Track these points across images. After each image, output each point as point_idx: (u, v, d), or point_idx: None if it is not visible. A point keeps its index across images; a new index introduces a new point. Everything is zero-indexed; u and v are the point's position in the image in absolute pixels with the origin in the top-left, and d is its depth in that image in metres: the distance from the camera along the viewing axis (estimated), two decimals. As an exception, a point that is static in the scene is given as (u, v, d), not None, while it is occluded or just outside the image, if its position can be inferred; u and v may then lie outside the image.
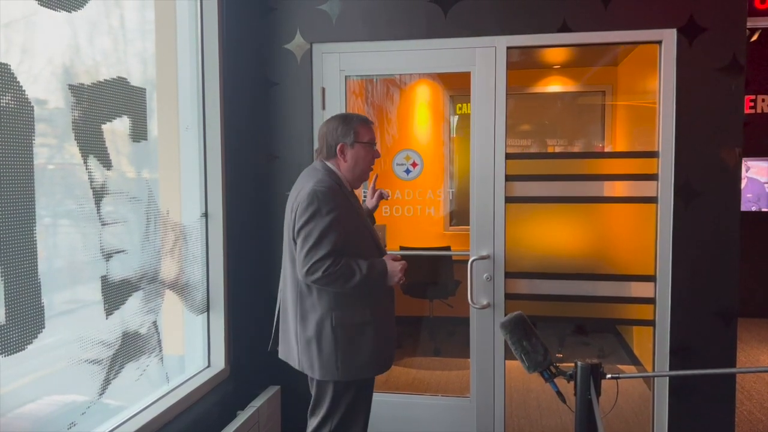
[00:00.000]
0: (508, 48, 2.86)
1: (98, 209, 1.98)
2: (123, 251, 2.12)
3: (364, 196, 3.28)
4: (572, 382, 1.43)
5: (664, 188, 2.78)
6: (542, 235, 3.09)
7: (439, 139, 4.60)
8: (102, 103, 2.00)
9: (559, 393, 1.47)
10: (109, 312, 2.04)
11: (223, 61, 2.71)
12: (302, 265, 2.07)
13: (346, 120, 2.23)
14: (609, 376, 1.41)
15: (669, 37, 2.72)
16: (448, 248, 4.12)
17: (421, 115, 4.53)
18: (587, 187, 2.92)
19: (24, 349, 1.65)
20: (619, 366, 4.23)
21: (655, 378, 2.90)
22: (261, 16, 3.01)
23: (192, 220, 2.66)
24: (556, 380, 1.47)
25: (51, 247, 1.82)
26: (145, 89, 2.25)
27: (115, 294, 2.07)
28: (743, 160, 3.65)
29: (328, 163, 2.24)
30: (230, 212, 2.79)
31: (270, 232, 3.04)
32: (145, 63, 2.34)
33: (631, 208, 3.03)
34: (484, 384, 3.01)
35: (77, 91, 1.89)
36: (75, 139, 1.87)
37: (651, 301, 2.86)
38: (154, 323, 2.33)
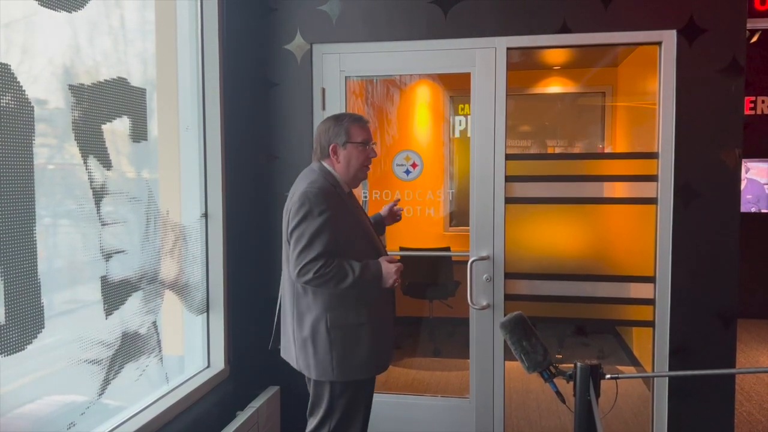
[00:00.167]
0: (508, 49, 2.86)
1: (98, 209, 1.98)
2: (123, 251, 2.12)
3: (365, 197, 3.29)
4: (571, 383, 1.43)
5: (664, 189, 2.78)
6: (542, 235, 3.09)
7: (439, 139, 4.61)
8: (102, 103, 2.01)
9: (558, 393, 1.47)
10: (108, 312, 2.04)
11: (223, 62, 2.71)
12: (294, 266, 2.08)
13: (337, 120, 2.23)
14: (608, 376, 1.41)
15: (669, 38, 2.72)
16: (447, 249, 4.12)
17: (421, 115, 4.54)
18: (587, 188, 2.93)
19: (24, 349, 1.65)
20: (619, 367, 4.23)
21: (655, 379, 2.90)
22: (261, 16, 3.01)
23: (192, 221, 2.66)
24: (555, 381, 1.47)
25: (51, 247, 1.82)
26: (145, 89, 2.25)
27: (114, 294, 2.07)
28: (743, 161, 3.66)
29: (325, 164, 2.24)
30: (230, 212, 2.79)
31: (270, 233, 3.04)
32: (146, 63, 2.35)
33: (631, 209, 3.03)
34: (483, 385, 3.01)
35: (77, 91, 1.89)
36: (75, 140, 1.87)
37: (651, 302, 2.86)
38: (154, 323, 2.33)
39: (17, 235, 1.63)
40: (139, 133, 2.22)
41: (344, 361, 2.15)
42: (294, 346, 2.22)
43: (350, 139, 2.20)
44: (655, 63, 2.80)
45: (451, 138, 4.59)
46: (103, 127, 2.00)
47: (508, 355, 2.95)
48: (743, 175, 5.53)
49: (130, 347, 2.17)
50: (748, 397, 4.01)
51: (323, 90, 3.02)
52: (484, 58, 2.89)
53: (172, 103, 2.61)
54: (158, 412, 2.22)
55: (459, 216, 4.41)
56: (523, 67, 4.90)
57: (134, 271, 2.19)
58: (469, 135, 2.97)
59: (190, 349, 2.71)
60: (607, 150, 4.87)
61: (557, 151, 5.12)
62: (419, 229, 4.11)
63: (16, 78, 1.62)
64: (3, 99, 1.58)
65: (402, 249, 3.68)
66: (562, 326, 4.46)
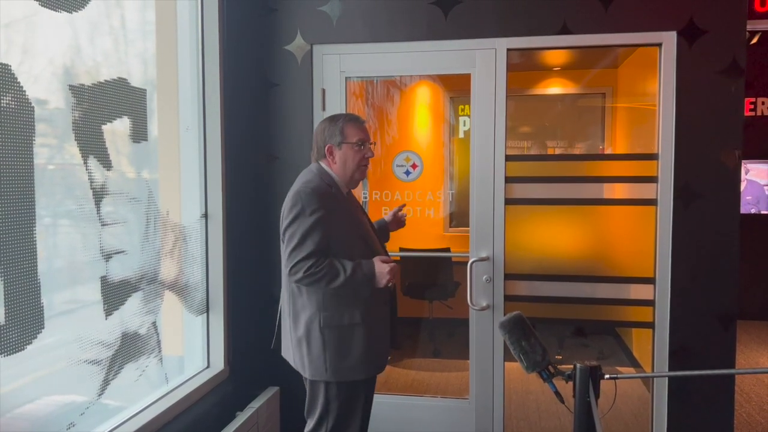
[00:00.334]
0: (509, 50, 2.86)
1: (98, 210, 1.98)
2: (123, 252, 2.12)
3: (365, 198, 3.29)
4: (570, 383, 1.43)
5: (664, 190, 2.78)
6: (542, 236, 3.09)
7: (439, 140, 4.61)
8: (102, 103, 2.01)
9: (557, 393, 1.47)
10: (108, 312, 2.04)
11: (223, 62, 2.71)
12: (285, 265, 2.10)
13: (333, 120, 2.23)
14: (607, 376, 1.41)
15: (669, 39, 2.72)
16: (447, 250, 4.12)
17: (421, 116, 4.54)
18: (587, 189, 2.93)
19: (23, 349, 1.65)
20: (619, 368, 4.23)
21: (654, 380, 2.90)
22: (261, 17, 3.02)
23: (192, 221, 2.66)
24: (554, 381, 1.47)
25: (51, 247, 1.82)
26: (145, 90, 2.25)
27: (114, 294, 2.07)
28: (743, 162, 3.66)
29: (322, 164, 2.24)
30: (230, 213, 2.79)
31: (270, 233, 3.04)
32: (146, 64, 2.35)
33: (631, 210, 3.03)
34: (483, 386, 3.01)
35: (78, 91, 1.89)
36: (75, 140, 1.88)
37: (650, 303, 2.86)
38: (154, 324, 2.33)
39: (17, 235, 1.63)
40: (139, 134, 2.22)
41: (338, 361, 2.15)
42: (291, 345, 2.24)
43: (345, 139, 2.20)
44: (655, 64, 2.80)
45: (455, 138, 4.59)
46: (104, 127, 2.01)
47: (507, 356, 2.95)
48: (743, 176, 5.54)
49: (129, 347, 2.17)
50: (747, 398, 4.01)
51: (323, 91, 3.03)
52: (484, 59, 2.89)
53: (172, 104, 2.62)
54: (158, 413, 2.22)
55: (459, 217, 4.41)
56: (524, 68, 4.91)
57: (134, 271, 2.19)
58: (473, 135, 2.98)
59: (189, 349, 2.71)
60: (607, 151, 4.88)
61: (557, 152, 5.13)
62: (419, 229, 4.10)
63: (16, 78, 1.63)
64: (3, 99, 1.58)
65: (402, 250, 3.68)
66: (562, 327, 4.46)
